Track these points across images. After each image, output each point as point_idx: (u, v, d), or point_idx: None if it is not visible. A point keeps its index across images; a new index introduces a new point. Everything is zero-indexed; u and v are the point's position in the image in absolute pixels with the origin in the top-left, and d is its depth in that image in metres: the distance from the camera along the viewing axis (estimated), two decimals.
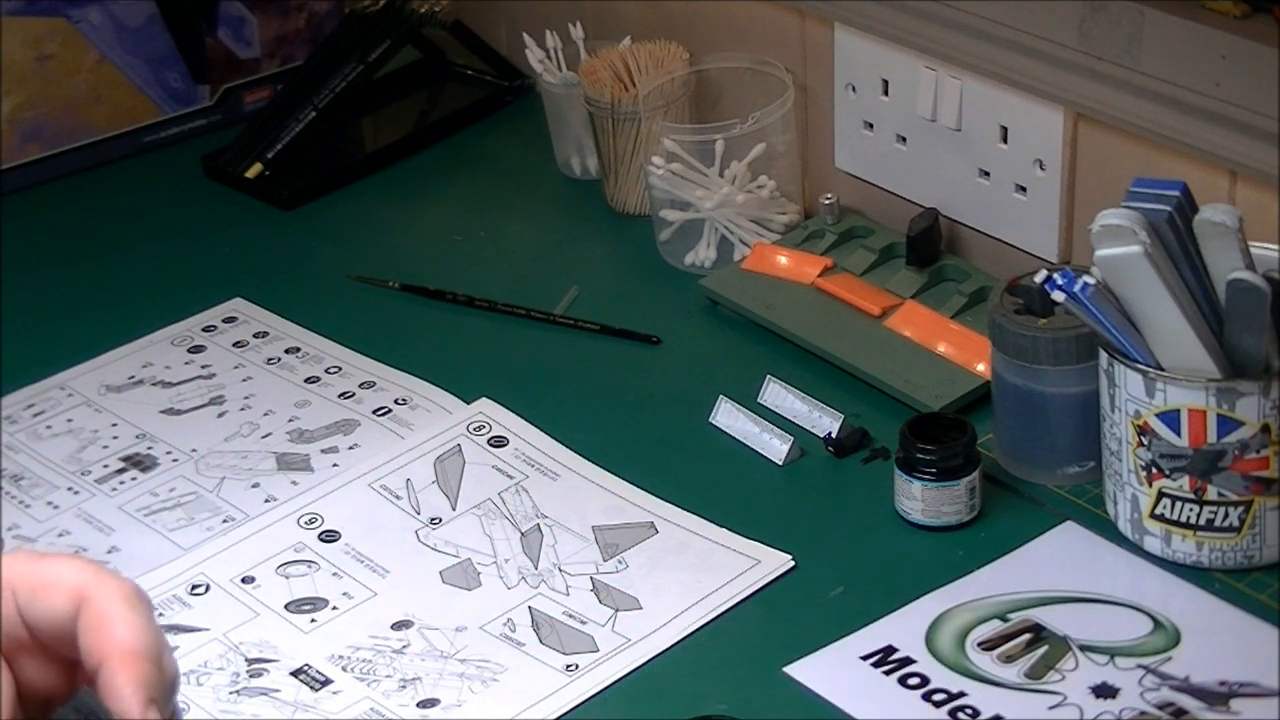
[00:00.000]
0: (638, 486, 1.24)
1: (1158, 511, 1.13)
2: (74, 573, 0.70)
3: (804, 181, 1.50)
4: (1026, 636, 1.10)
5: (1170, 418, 1.10)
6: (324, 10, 1.77)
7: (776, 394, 1.31)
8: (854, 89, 1.44)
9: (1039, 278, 1.14)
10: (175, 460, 1.31)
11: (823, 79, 1.46)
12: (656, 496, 1.23)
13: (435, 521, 1.23)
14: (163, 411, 1.37)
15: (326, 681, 1.12)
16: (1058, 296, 1.10)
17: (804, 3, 1.45)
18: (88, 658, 0.69)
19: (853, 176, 1.47)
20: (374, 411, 1.35)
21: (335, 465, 1.30)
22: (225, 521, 1.25)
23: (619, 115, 1.50)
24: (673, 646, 1.12)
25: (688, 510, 1.22)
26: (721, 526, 1.20)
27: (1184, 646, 1.08)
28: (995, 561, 1.16)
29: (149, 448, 1.33)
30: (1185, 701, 1.04)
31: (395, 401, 1.35)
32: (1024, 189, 1.34)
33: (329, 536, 1.23)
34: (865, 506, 1.21)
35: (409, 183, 1.65)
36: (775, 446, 1.26)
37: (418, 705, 1.09)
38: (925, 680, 1.07)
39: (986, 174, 1.37)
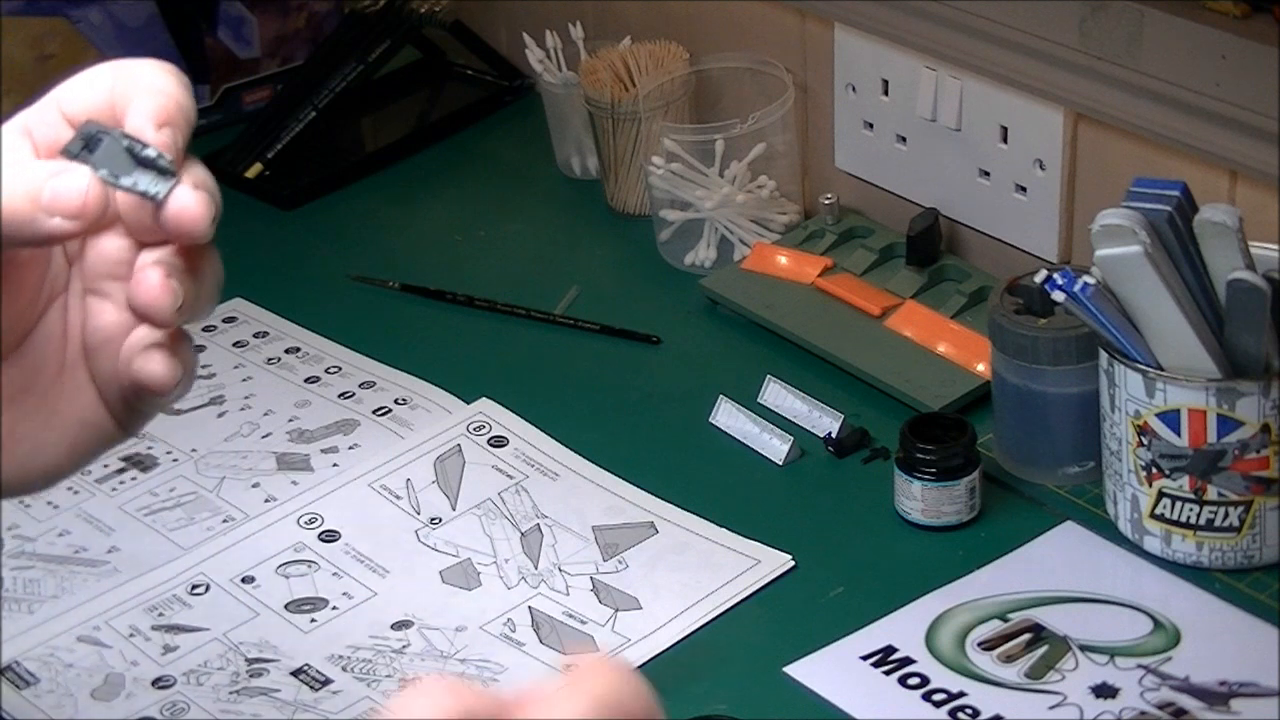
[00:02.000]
0: (638, 486, 1.24)
1: (1158, 511, 1.13)
2: (108, 64, 0.75)
3: (804, 181, 1.50)
4: (1026, 636, 1.10)
5: (1170, 418, 1.10)
6: (324, 10, 1.77)
7: (776, 394, 1.31)
8: (854, 89, 1.44)
9: (1039, 278, 1.14)
10: (175, 460, 1.31)
11: (823, 79, 1.46)
12: (656, 496, 1.23)
13: (435, 521, 1.23)
14: (162, 411, 1.36)
15: (326, 681, 1.12)
16: (1058, 296, 1.10)
17: (804, 3, 1.45)
18: (119, 102, 0.73)
19: (853, 176, 1.47)
20: (374, 411, 1.35)
21: (335, 465, 1.30)
22: (225, 521, 1.25)
23: (619, 115, 1.50)
24: (673, 646, 1.12)
25: (688, 510, 1.22)
26: (721, 526, 1.20)
27: (1184, 646, 1.08)
28: (995, 561, 1.16)
29: (149, 447, 1.33)
30: (1185, 701, 1.04)
31: (395, 401, 1.35)
32: (1024, 189, 1.34)
33: (329, 536, 1.23)
34: (865, 506, 1.21)
35: (409, 183, 1.64)
36: (775, 446, 1.26)
37: None
38: (925, 680, 1.08)
39: (986, 174, 1.37)
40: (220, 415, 1.36)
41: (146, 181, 0.73)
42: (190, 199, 0.73)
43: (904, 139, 1.42)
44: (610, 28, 1.62)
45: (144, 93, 0.73)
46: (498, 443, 1.30)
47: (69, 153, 0.73)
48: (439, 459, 1.29)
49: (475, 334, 1.43)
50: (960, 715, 1.05)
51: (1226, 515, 1.11)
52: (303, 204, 1.62)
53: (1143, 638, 1.09)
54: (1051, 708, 1.05)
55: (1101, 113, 1.25)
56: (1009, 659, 1.08)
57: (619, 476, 1.25)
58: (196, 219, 0.73)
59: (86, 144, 0.73)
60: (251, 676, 1.12)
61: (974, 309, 1.34)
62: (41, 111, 0.75)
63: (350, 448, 1.31)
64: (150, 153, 0.72)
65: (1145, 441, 1.11)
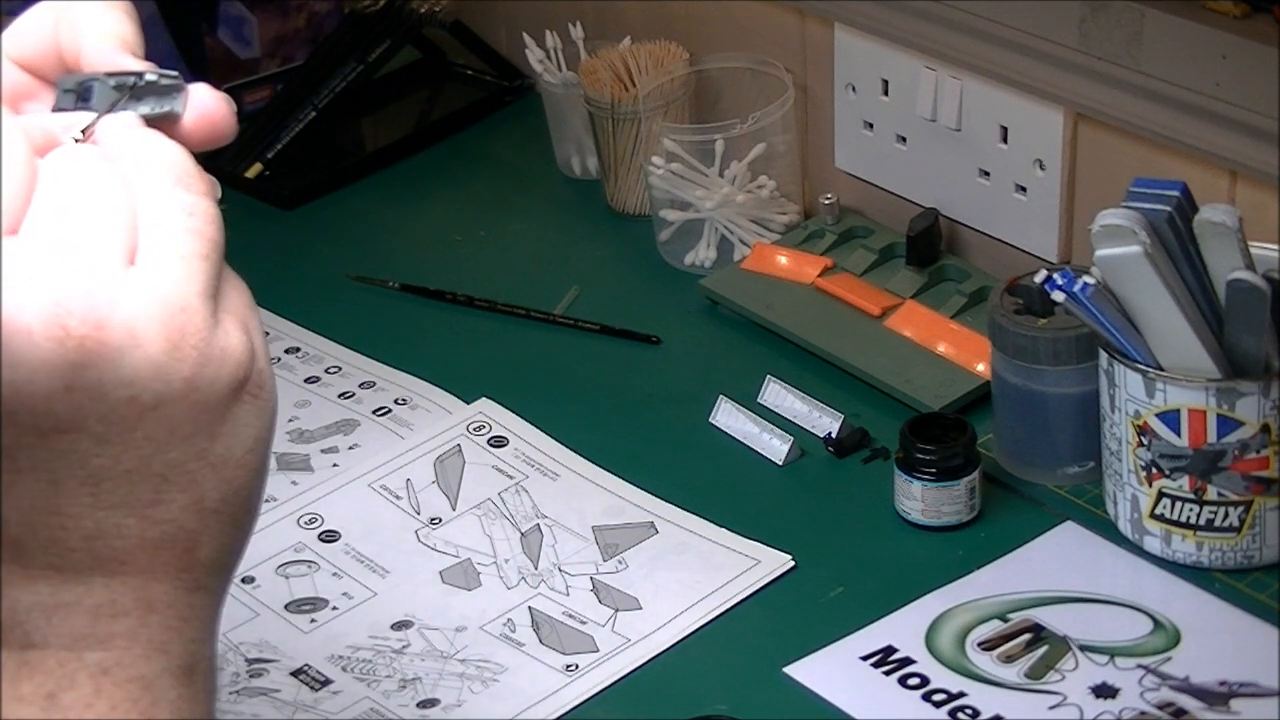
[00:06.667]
0: (638, 486, 1.24)
1: (1158, 511, 1.13)
2: (46, 4, 0.71)
3: (804, 181, 1.50)
4: (1026, 636, 1.10)
5: (1170, 418, 1.10)
6: (324, 10, 1.77)
7: (776, 394, 1.31)
8: (854, 89, 1.44)
9: (1039, 278, 1.14)
10: None
11: (823, 79, 1.46)
12: (656, 496, 1.23)
13: (435, 521, 1.23)
14: None
15: (326, 681, 1.12)
16: (1058, 296, 1.10)
17: (804, 3, 1.45)
18: (67, 47, 0.70)
19: (853, 176, 1.47)
20: (374, 411, 1.35)
21: (335, 465, 1.30)
22: None
23: (619, 115, 1.50)
24: (673, 646, 1.12)
25: (688, 510, 1.22)
26: (721, 526, 1.20)
27: (1184, 646, 1.08)
28: (995, 561, 1.16)
29: None
30: (1185, 701, 1.04)
31: (395, 401, 1.35)
32: (1024, 189, 1.34)
33: (329, 536, 1.23)
34: (865, 506, 1.21)
35: (409, 183, 1.64)
36: (775, 446, 1.26)
37: (418, 705, 1.09)
38: (925, 680, 1.08)
39: (986, 174, 1.37)
40: None
41: (155, 104, 0.71)
42: (208, 97, 0.71)
43: (904, 139, 1.42)
44: (610, 28, 1.62)
45: (94, 30, 0.70)
46: (498, 443, 1.30)
47: (62, 111, 0.70)
48: (439, 459, 1.29)
49: (475, 334, 1.43)
50: (960, 715, 1.05)
51: (1226, 515, 1.11)
52: (303, 204, 1.62)
53: (1143, 638, 1.09)
54: (1051, 708, 1.05)
55: (1101, 113, 1.25)
56: (1009, 659, 1.08)
57: (619, 476, 1.25)
58: (223, 114, 0.72)
59: (79, 96, 0.70)
60: (251, 677, 1.12)
61: (974, 309, 1.34)
62: None
63: (350, 448, 1.31)
64: (149, 77, 0.70)
65: (1145, 441, 1.11)
